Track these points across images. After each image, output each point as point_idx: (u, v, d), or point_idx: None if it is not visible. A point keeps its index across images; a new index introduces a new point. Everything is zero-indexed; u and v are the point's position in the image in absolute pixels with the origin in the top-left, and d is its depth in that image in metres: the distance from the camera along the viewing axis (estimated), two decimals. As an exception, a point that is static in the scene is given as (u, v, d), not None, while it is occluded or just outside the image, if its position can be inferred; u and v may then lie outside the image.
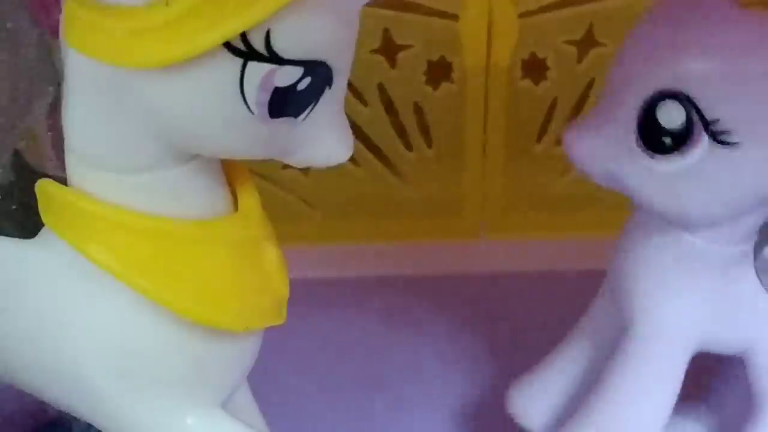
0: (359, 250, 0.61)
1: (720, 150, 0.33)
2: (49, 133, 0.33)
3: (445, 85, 0.57)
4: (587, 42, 0.56)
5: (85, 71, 0.30)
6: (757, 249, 0.36)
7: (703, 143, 0.33)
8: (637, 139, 0.34)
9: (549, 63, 0.57)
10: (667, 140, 0.33)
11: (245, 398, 0.38)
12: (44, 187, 0.32)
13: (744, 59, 0.33)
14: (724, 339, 0.39)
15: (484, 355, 0.53)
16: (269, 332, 0.35)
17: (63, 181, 0.32)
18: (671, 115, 0.33)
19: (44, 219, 0.32)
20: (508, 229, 0.62)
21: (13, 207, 0.34)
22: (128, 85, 0.29)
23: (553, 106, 0.58)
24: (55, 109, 0.32)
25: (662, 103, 0.33)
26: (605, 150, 0.35)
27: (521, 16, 0.56)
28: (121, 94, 0.29)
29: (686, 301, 0.38)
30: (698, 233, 0.36)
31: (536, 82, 0.58)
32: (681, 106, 0.33)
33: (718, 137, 0.33)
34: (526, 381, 0.45)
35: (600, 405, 0.39)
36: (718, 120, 0.33)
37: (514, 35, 0.56)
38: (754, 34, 0.33)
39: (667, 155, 0.34)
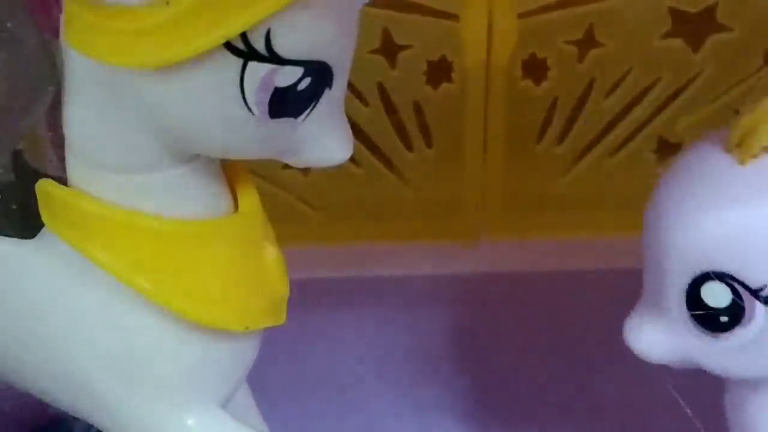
0: (359, 250, 0.61)
1: None
2: (49, 133, 0.33)
3: (445, 85, 0.57)
4: (587, 42, 0.56)
5: (85, 71, 0.30)
6: None
7: (759, 310, 0.32)
8: (694, 324, 0.33)
9: (549, 63, 0.57)
10: (724, 318, 0.33)
11: (245, 398, 0.38)
12: (44, 187, 0.32)
13: (762, 216, 0.32)
14: None
15: (484, 355, 0.53)
16: (269, 332, 0.35)
17: (63, 181, 0.32)
18: (717, 296, 0.32)
19: (44, 219, 0.32)
20: (508, 229, 0.61)
21: (13, 207, 0.34)
22: (128, 85, 0.29)
23: (553, 106, 0.58)
24: (55, 109, 0.32)
25: (704, 285, 0.33)
26: (669, 340, 0.34)
27: (521, 16, 0.55)
28: (121, 94, 0.29)
29: None
30: None
31: (536, 82, 0.57)
32: (723, 284, 0.32)
33: None
34: None
35: None
36: (765, 286, 0.32)
37: (514, 35, 0.56)
38: (760, 187, 0.32)
39: (729, 332, 0.33)
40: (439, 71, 0.57)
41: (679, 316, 0.34)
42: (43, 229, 0.33)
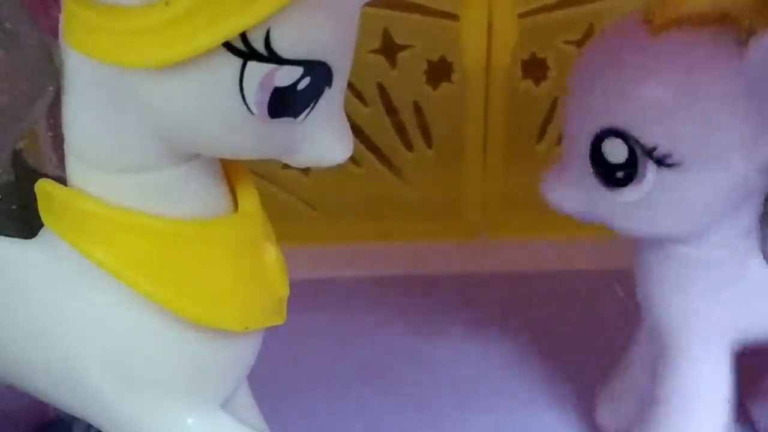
0: (359, 250, 0.61)
1: (668, 172, 0.35)
2: (49, 133, 0.33)
3: (445, 85, 0.57)
4: (587, 42, 0.56)
5: (84, 71, 0.30)
6: (762, 240, 0.38)
7: (651, 170, 0.35)
8: (596, 177, 0.36)
9: (549, 63, 0.57)
10: (620, 174, 0.36)
11: (245, 398, 0.38)
12: (44, 187, 0.32)
13: (665, 84, 0.35)
14: (759, 330, 0.40)
15: (484, 354, 0.53)
16: (269, 332, 0.35)
17: (63, 181, 0.32)
18: (615, 151, 0.35)
19: (44, 219, 0.32)
20: (508, 229, 0.61)
21: (13, 207, 0.34)
22: (128, 85, 0.29)
23: (553, 106, 0.58)
24: (55, 109, 0.32)
25: (605, 141, 0.35)
26: (577, 192, 0.38)
27: (521, 16, 0.56)
28: (121, 94, 0.29)
29: (703, 303, 0.39)
30: (689, 244, 0.38)
31: (536, 82, 0.58)
32: (621, 141, 0.35)
33: (662, 162, 0.35)
34: (606, 389, 0.47)
35: (657, 417, 0.41)
36: (656, 147, 0.35)
37: (514, 35, 0.56)
38: (668, 59, 0.35)
39: (624, 187, 0.36)
40: (439, 71, 0.57)
41: (585, 171, 0.37)
42: (43, 229, 0.33)
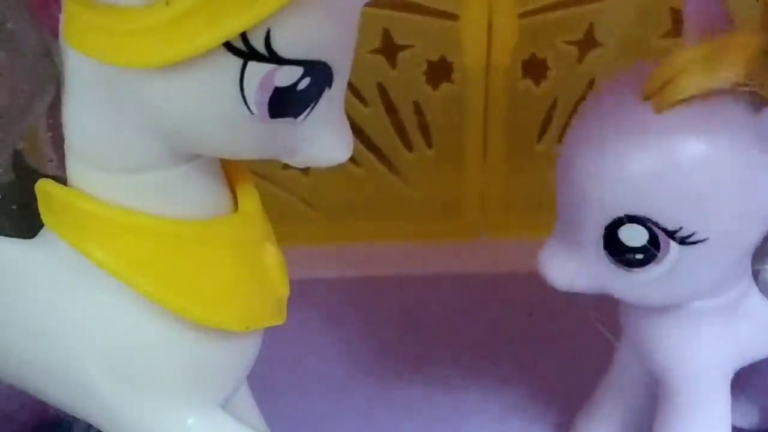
0: (359, 250, 0.61)
1: (691, 249, 0.34)
2: (49, 133, 0.33)
3: (445, 85, 0.57)
4: (587, 42, 0.56)
5: (84, 71, 0.30)
6: (756, 278, 0.37)
7: (673, 249, 0.34)
8: (609, 260, 0.35)
9: (549, 63, 0.57)
10: (639, 256, 0.34)
11: (245, 398, 0.38)
12: (44, 187, 0.32)
13: (678, 162, 0.33)
14: (756, 355, 0.40)
15: (484, 354, 0.53)
16: (269, 332, 0.35)
17: (63, 181, 0.32)
18: (635, 236, 0.34)
19: (44, 219, 0.32)
20: (508, 229, 0.61)
21: (13, 207, 0.34)
22: (128, 85, 0.29)
23: (553, 106, 0.58)
24: (55, 109, 0.32)
25: (621, 228, 0.34)
26: (583, 270, 0.36)
27: (521, 16, 0.56)
28: (121, 94, 0.29)
29: (704, 348, 0.38)
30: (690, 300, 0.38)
31: (536, 82, 0.58)
32: (641, 226, 0.34)
33: (685, 241, 0.34)
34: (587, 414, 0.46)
35: None
36: (680, 228, 0.33)
37: (514, 35, 0.56)
38: (681, 138, 0.33)
39: (643, 267, 0.35)
40: (439, 71, 0.57)
41: (593, 249, 0.35)
42: (43, 229, 0.33)
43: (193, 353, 0.33)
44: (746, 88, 0.33)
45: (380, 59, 0.56)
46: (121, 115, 0.30)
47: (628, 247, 0.34)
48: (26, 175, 0.34)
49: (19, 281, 0.33)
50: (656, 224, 0.33)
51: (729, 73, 0.33)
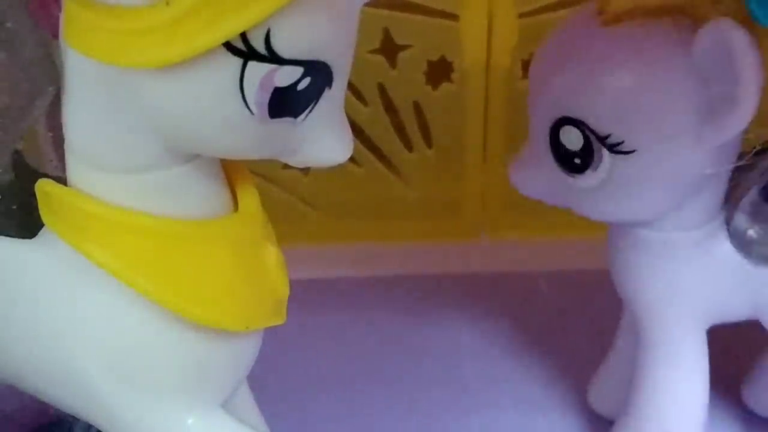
0: (359, 250, 0.61)
1: (623, 159, 0.36)
2: (49, 133, 0.33)
3: (445, 85, 0.57)
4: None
5: (85, 71, 0.30)
6: (728, 225, 0.39)
7: (605, 157, 0.36)
8: (556, 163, 0.38)
9: (549, 63, 0.57)
10: (577, 160, 0.37)
11: (245, 398, 0.38)
12: (44, 187, 0.32)
13: (616, 74, 0.36)
14: (731, 310, 0.41)
15: (484, 354, 0.53)
16: (269, 332, 0.35)
17: (63, 181, 0.32)
18: (572, 138, 0.37)
19: (44, 219, 0.32)
20: (508, 229, 0.62)
21: (13, 207, 0.34)
22: (128, 85, 0.29)
23: (553, 106, 0.58)
24: (55, 109, 0.32)
25: (562, 129, 0.37)
26: (542, 178, 0.39)
27: (521, 16, 0.56)
28: (121, 94, 0.29)
29: (674, 285, 0.40)
30: (652, 228, 0.39)
31: (536, 82, 0.57)
32: (577, 129, 0.36)
33: (615, 149, 0.36)
34: (599, 375, 0.48)
35: (640, 402, 0.42)
36: (609, 134, 0.36)
37: (514, 35, 0.56)
38: (617, 50, 0.36)
39: (583, 173, 0.37)
40: (439, 71, 0.57)
41: (546, 157, 0.38)
42: (43, 229, 0.33)
43: (193, 353, 0.33)
44: (694, 11, 0.35)
45: (380, 59, 0.56)
46: (121, 115, 0.30)
47: (567, 150, 0.37)
48: (26, 175, 0.34)
49: (19, 281, 0.33)
50: (589, 128, 0.36)
51: None
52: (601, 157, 0.36)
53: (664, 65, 0.35)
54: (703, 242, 0.39)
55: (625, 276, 0.41)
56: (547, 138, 0.37)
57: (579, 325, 0.55)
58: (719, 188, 0.39)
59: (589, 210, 0.39)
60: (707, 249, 0.39)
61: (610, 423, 0.46)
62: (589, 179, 0.37)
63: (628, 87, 0.35)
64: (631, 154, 0.36)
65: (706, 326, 0.41)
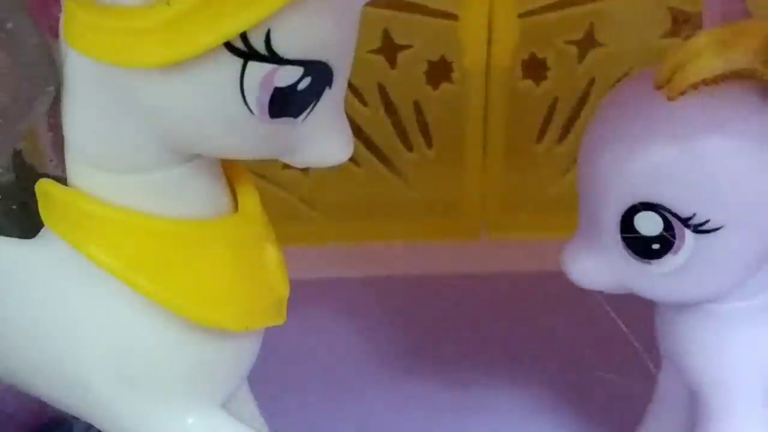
0: (359, 250, 0.61)
1: (706, 238, 0.34)
2: (49, 133, 0.33)
3: (445, 85, 0.57)
4: (587, 42, 0.56)
5: (85, 71, 0.30)
6: None
7: (688, 238, 0.34)
8: (627, 250, 0.35)
9: (549, 63, 0.57)
10: (655, 246, 0.34)
11: (245, 398, 0.38)
12: (44, 187, 0.32)
13: (691, 149, 0.33)
14: None
15: (484, 354, 0.53)
16: (269, 332, 0.35)
17: (63, 181, 0.32)
18: (649, 224, 0.34)
19: (44, 219, 0.32)
20: (508, 229, 0.61)
21: (13, 207, 0.34)
22: (128, 85, 0.29)
23: (553, 106, 0.58)
24: (55, 109, 0.32)
25: (637, 215, 0.34)
26: (604, 266, 0.36)
27: (521, 16, 0.56)
28: (121, 94, 0.29)
29: (739, 356, 0.38)
30: (718, 301, 0.37)
31: (536, 82, 0.58)
32: (655, 213, 0.34)
33: (699, 228, 0.34)
34: None
35: None
36: (694, 215, 0.34)
37: (514, 35, 0.56)
38: (692, 124, 0.33)
39: (660, 258, 0.35)
40: (439, 71, 0.57)
41: (613, 243, 0.35)
42: (43, 229, 0.33)
43: (193, 353, 0.33)
44: (758, 74, 0.33)
45: (380, 59, 0.56)
46: (121, 114, 0.30)
47: (644, 236, 0.34)
48: (26, 175, 0.34)
49: (19, 281, 0.33)
50: (670, 211, 0.34)
51: (741, 56, 0.33)
52: (683, 240, 0.34)
53: (742, 131, 0.33)
54: (764, 308, 0.37)
55: (684, 351, 0.39)
56: (617, 225, 0.35)
57: (579, 326, 0.54)
58: None
59: (664, 294, 0.36)
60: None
61: (611, 424, 0.46)
62: (668, 264, 0.35)
63: (709, 160, 0.33)
64: (716, 232, 0.34)
65: None
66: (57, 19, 0.30)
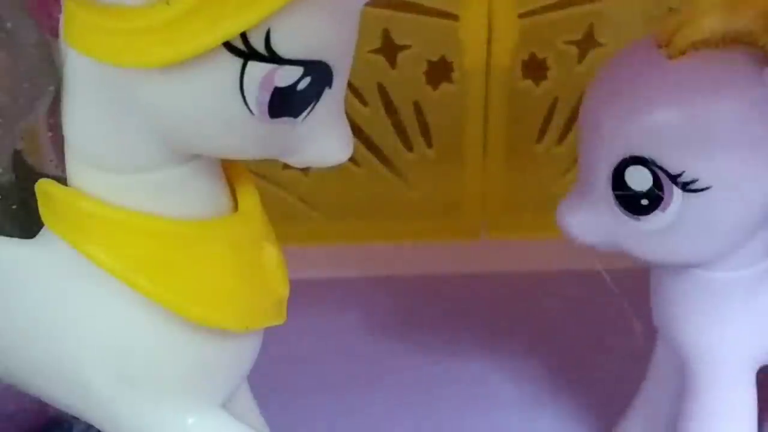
0: (359, 250, 0.61)
1: (694, 197, 0.34)
2: (49, 133, 0.33)
3: (445, 85, 0.57)
4: (587, 42, 0.56)
5: (85, 71, 0.30)
6: None
7: (676, 196, 0.34)
8: (618, 206, 0.36)
9: (549, 63, 0.57)
10: (644, 201, 0.35)
11: (245, 398, 0.38)
12: (44, 187, 0.32)
13: (686, 108, 0.34)
14: None
15: (484, 354, 0.53)
16: (269, 332, 0.35)
17: (63, 181, 0.32)
18: (639, 179, 0.35)
19: (44, 219, 0.32)
20: (508, 229, 0.61)
21: (13, 207, 0.34)
22: (128, 85, 0.29)
23: (553, 106, 0.58)
24: (55, 109, 0.32)
25: (628, 169, 0.35)
26: (596, 221, 0.37)
27: (521, 16, 0.56)
28: (121, 94, 0.29)
29: (728, 327, 0.38)
30: (710, 268, 0.37)
31: (536, 82, 0.58)
32: (645, 168, 0.34)
33: (688, 187, 0.34)
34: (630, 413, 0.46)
35: None
36: (683, 172, 0.34)
37: (514, 35, 0.56)
38: (688, 83, 0.34)
39: (649, 215, 0.35)
40: (439, 71, 0.57)
41: (605, 199, 0.36)
42: (44, 229, 0.33)
43: (193, 353, 0.33)
44: (757, 40, 0.33)
45: (380, 59, 0.56)
46: (121, 115, 0.30)
47: (633, 191, 0.35)
48: (26, 175, 0.34)
49: (19, 281, 0.33)
50: (659, 167, 0.34)
51: (745, 19, 0.33)
52: (671, 197, 0.34)
53: (739, 96, 0.33)
54: (756, 281, 0.38)
55: (674, 319, 0.39)
56: (609, 179, 0.35)
57: (579, 326, 0.55)
58: None
59: (651, 253, 0.36)
60: (760, 288, 0.38)
61: (612, 422, 0.46)
62: (656, 221, 0.35)
63: (703, 121, 0.33)
64: (704, 191, 0.34)
65: (757, 367, 0.39)
66: (57, 19, 0.30)
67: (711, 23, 0.33)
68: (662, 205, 0.35)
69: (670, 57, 0.34)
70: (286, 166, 0.42)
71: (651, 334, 0.42)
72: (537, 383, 0.51)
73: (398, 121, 0.59)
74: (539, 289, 0.58)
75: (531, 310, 0.56)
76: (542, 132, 0.59)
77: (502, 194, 0.61)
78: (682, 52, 0.34)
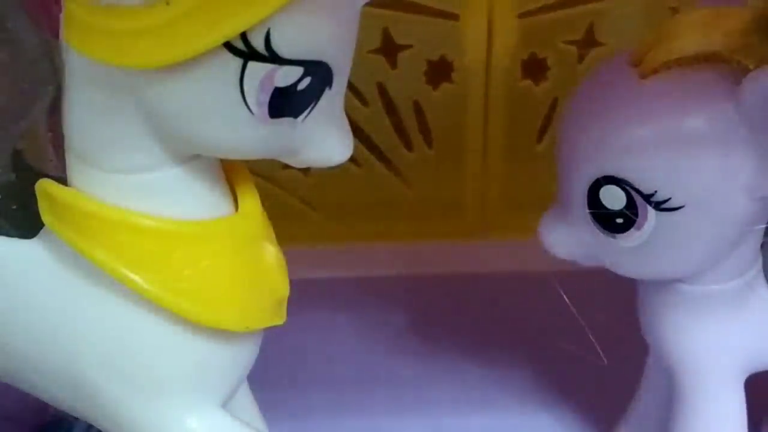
0: (359, 250, 0.61)
1: (669, 216, 0.34)
2: (49, 133, 0.33)
3: (445, 85, 0.57)
4: (587, 42, 0.56)
5: (85, 71, 0.30)
6: (765, 272, 0.38)
7: (651, 215, 0.34)
8: (594, 223, 0.36)
9: (549, 63, 0.57)
10: (619, 220, 0.35)
11: (245, 398, 0.38)
12: (44, 187, 0.32)
13: (658, 128, 0.34)
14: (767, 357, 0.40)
15: (484, 354, 0.53)
16: (269, 332, 0.35)
17: (63, 181, 0.32)
18: (613, 198, 0.35)
19: (44, 219, 0.32)
20: (508, 229, 0.61)
21: (13, 207, 0.34)
22: (128, 85, 0.29)
23: (553, 106, 0.58)
24: (55, 109, 0.32)
25: (602, 189, 0.35)
26: (576, 237, 0.37)
27: (521, 16, 0.56)
28: (121, 94, 0.29)
29: (714, 339, 0.38)
30: (693, 282, 0.38)
31: (536, 82, 0.58)
32: (619, 188, 0.34)
33: (661, 206, 0.34)
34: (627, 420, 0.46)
35: None
36: (655, 192, 0.34)
37: (514, 35, 0.56)
38: (660, 102, 0.34)
39: (624, 233, 0.35)
40: (439, 71, 0.57)
41: (582, 216, 0.36)
42: (44, 229, 0.33)
43: (193, 353, 0.33)
44: (728, 59, 0.33)
45: (380, 59, 0.56)
46: (121, 115, 0.30)
47: (608, 210, 0.35)
48: (26, 175, 0.34)
49: (19, 281, 0.33)
50: (632, 187, 0.34)
51: (717, 39, 0.33)
52: (645, 216, 0.34)
53: (711, 115, 0.33)
54: (740, 292, 0.38)
55: (660, 331, 0.39)
56: (585, 198, 0.35)
57: (579, 326, 0.54)
58: (757, 238, 0.37)
59: (630, 269, 0.37)
60: (745, 299, 0.38)
61: (611, 423, 0.46)
62: (632, 239, 0.35)
63: (675, 141, 0.33)
64: (678, 210, 0.34)
65: (745, 377, 0.40)
66: (57, 19, 0.30)
67: (683, 44, 0.33)
68: (636, 224, 0.35)
69: (642, 76, 0.34)
70: (286, 166, 0.42)
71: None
72: (537, 383, 0.51)
73: (398, 121, 0.59)
74: (539, 289, 0.58)
75: (531, 310, 0.56)
76: (542, 132, 0.59)
77: (502, 194, 0.61)
78: (655, 71, 0.34)
